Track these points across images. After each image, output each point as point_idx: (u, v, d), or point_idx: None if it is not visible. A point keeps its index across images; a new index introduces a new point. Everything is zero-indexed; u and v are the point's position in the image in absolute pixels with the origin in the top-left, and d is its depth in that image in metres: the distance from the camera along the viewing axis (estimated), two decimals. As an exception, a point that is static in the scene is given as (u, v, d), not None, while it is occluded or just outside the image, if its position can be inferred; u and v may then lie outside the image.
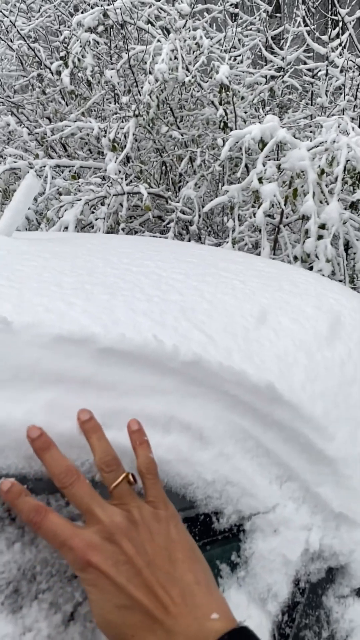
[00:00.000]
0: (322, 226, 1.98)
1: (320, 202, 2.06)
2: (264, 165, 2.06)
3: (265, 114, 2.90)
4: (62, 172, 2.93)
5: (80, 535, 0.40)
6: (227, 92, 2.58)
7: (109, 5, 2.86)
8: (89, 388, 0.44)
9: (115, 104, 3.17)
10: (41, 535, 0.40)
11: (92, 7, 3.01)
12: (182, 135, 3.02)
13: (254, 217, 2.10)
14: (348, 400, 0.55)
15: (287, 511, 0.48)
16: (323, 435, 0.51)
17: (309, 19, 3.81)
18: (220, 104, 2.53)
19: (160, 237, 2.80)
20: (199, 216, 2.75)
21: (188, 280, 0.62)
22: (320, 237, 1.99)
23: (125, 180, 2.81)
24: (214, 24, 4.08)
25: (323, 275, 1.98)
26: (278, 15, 3.81)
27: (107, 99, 3.30)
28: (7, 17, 2.67)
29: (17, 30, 2.74)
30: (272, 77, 3.26)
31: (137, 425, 0.44)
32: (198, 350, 0.48)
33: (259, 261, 0.78)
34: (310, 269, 2.04)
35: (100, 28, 2.91)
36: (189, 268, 0.66)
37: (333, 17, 2.73)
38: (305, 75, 3.45)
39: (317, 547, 0.48)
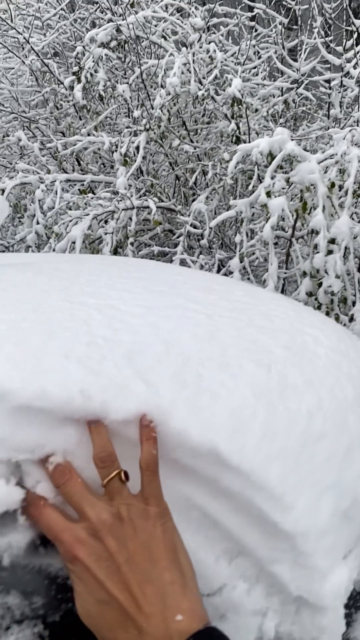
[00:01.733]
0: (332, 241, 1.90)
1: (331, 215, 1.99)
2: (272, 179, 1.99)
3: (279, 126, 2.85)
4: (74, 187, 2.93)
5: (70, 530, 0.42)
6: (240, 106, 2.53)
7: (123, 20, 2.86)
8: (3, 450, 0.38)
9: (128, 118, 3.16)
10: (39, 527, 0.43)
11: (108, 22, 3.03)
12: (194, 149, 2.99)
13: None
14: (312, 460, 0.48)
15: (236, 593, 0.42)
16: (279, 506, 0.44)
17: (327, 31, 3.76)
18: (232, 117, 2.49)
19: (169, 250, 2.76)
20: (210, 229, 2.70)
21: (147, 315, 0.57)
22: (330, 252, 1.91)
23: (137, 194, 2.79)
24: (230, 37, 4.07)
25: (332, 291, 1.89)
26: (295, 27, 3.76)
27: (120, 113, 3.31)
28: (22, 34, 2.71)
29: (31, 46, 2.77)
30: (289, 89, 3.20)
31: (148, 421, 0.45)
32: (134, 405, 0.42)
33: (238, 289, 0.72)
34: (320, 285, 1.96)
35: (113, 43, 2.92)
36: (154, 299, 0.61)
37: (347, 27, 2.66)
38: (322, 86, 3.39)
39: (272, 635, 0.41)
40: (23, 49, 2.95)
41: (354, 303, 2.00)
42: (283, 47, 3.41)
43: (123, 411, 0.41)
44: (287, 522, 0.45)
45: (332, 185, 1.93)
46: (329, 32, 3.90)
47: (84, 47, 2.76)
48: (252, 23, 3.74)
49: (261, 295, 0.72)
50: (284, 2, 3.81)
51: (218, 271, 2.73)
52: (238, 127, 2.45)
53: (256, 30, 3.56)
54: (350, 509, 0.51)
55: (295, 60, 3.16)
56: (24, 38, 2.69)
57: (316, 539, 0.45)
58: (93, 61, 2.80)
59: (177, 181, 3.20)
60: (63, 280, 0.65)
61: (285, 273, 2.63)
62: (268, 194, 1.95)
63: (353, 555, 0.49)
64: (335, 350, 0.59)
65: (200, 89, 2.69)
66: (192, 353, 0.51)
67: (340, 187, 2.01)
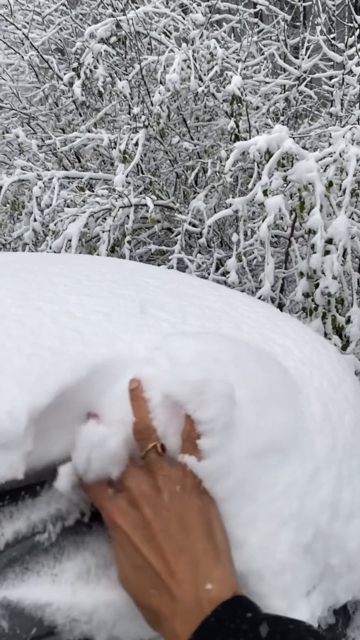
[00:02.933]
0: (330, 241, 1.87)
1: (330, 215, 1.95)
2: (269, 177, 1.96)
3: (280, 124, 2.81)
4: (73, 183, 2.91)
5: (112, 499, 0.45)
6: (239, 104, 2.50)
7: (123, 15, 2.84)
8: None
9: (128, 114, 3.14)
10: (89, 497, 0.47)
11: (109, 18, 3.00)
12: (194, 146, 2.96)
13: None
14: (270, 489, 0.45)
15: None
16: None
17: (330, 28, 3.71)
18: (231, 115, 2.46)
19: (167, 249, 2.73)
20: (209, 227, 2.67)
21: (105, 322, 0.54)
22: (327, 252, 1.88)
23: (135, 191, 2.77)
24: (232, 34, 4.03)
25: (329, 293, 1.86)
26: (298, 23, 3.71)
27: (120, 110, 3.28)
28: (20, 30, 2.69)
29: (30, 42, 2.75)
30: (290, 87, 3.16)
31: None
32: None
33: (212, 293, 0.69)
34: (316, 285, 1.93)
35: (113, 39, 2.90)
36: (117, 305, 0.58)
37: (349, 24, 2.62)
38: (325, 84, 3.35)
39: None
40: (23, 44, 2.93)
41: (351, 304, 1.97)
42: (285, 45, 3.38)
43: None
44: (237, 561, 0.42)
45: (330, 184, 1.90)
46: (332, 29, 3.85)
47: (83, 42, 2.74)
48: (256, 20, 3.71)
49: (236, 300, 0.69)
50: (287, -1, 3.78)
51: (216, 270, 2.70)
52: (237, 125, 2.42)
53: (258, 27, 3.52)
54: (313, 541, 0.48)
55: (297, 57, 3.12)
56: (23, 34, 2.68)
57: (272, 578, 0.42)
58: (92, 57, 2.78)
59: (177, 179, 3.18)
60: (24, 284, 0.62)
61: (284, 273, 2.60)
62: (265, 193, 1.92)
63: (317, 591, 0.46)
64: (307, 362, 0.56)
65: (200, 86, 2.66)
66: (142, 369, 0.49)
67: (341, 187, 1.98)
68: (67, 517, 0.46)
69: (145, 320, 0.56)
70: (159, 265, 2.65)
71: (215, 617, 0.39)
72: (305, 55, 3.21)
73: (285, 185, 2.00)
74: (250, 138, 2.66)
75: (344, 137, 1.97)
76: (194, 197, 2.95)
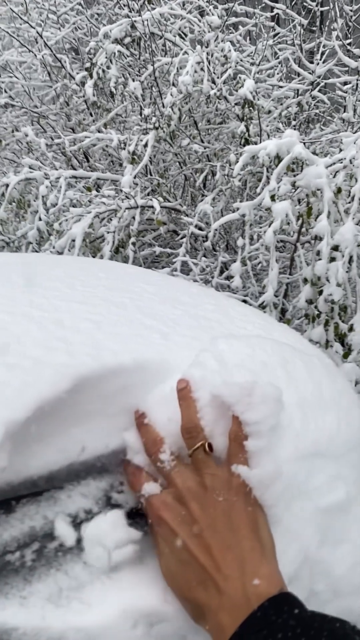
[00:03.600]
0: (336, 248, 1.84)
1: (336, 222, 1.93)
2: (278, 182, 1.94)
3: (292, 129, 2.78)
4: (80, 183, 2.90)
5: (158, 495, 0.46)
6: (251, 108, 2.47)
7: (139, 16, 2.83)
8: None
9: (140, 115, 3.13)
10: (136, 493, 0.48)
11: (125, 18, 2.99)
12: (204, 149, 2.94)
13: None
14: None
15: None
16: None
17: (347, 33, 3.68)
18: (242, 119, 2.43)
19: (172, 252, 2.71)
20: (215, 230, 2.65)
21: (95, 331, 0.52)
22: (333, 259, 1.85)
23: (142, 192, 2.75)
24: (249, 37, 4.01)
25: (333, 300, 1.83)
26: (315, 28, 3.69)
27: (132, 111, 3.28)
28: (34, 28, 2.69)
29: (44, 40, 2.75)
30: (304, 92, 3.13)
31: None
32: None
33: (209, 302, 0.66)
34: (320, 292, 1.91)
35: (127, 40, 2.89)
36: (109, 313, 0.56)
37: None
38: (339, 90, 3.31)
39: None
40: (37, 42, 2.94)
41: (355, 312, 1.93)
42: (301, 49, 3.35)
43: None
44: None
45: (339, 190, 1.87)
46: (349, 35, 3.82)
47: (97, 42, 2.73)
48: (272, 23, 3.69)
49: (233, 310, 0.66)
50: (304, 3, 3.75)
51: (220, 274, 2.68)
52: (247, 130, 2.39)
53: (274, 30, 3.49)
54: (300, 568, 0.47)
55: (311, 62, 3.10)
56: (37, 32, 2.67)
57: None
58: (106, 57, 2.77)
59: (186, 181, 3.16)
60: (16, 288, 0.61)
61: (289, 278, 2.57)
62: (273, 198, 1.90)
63: None
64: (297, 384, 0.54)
65: (212, 89, 2.64)
66: (130, 382, 0.47)
67: (349, 194, 1.95)
68: (42, 535, 0.44)
69: (135, 330, 0.54)
70: (162, 267, 2.63)
71: (262, 612, 0.39)
72: (321, 60, 3.18)
73: (293, 190, 1.97)
74: (260, 142, 2.65)
75: (355, 143, 1.94)
76: (202, 200, 2.93)
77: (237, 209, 2.02)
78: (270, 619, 0.38)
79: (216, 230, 2.70)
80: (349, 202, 1.91)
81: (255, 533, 0.44)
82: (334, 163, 1.91)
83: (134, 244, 2.48)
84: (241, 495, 0.45)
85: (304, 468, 0.50)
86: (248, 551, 0.42)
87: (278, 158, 1.92)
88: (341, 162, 1.87)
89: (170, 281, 0.75)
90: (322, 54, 3.23)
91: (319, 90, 3.20)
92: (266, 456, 0.46)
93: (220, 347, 0.51)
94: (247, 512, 0.44)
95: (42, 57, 2.79)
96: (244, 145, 2.55)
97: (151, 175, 2.94)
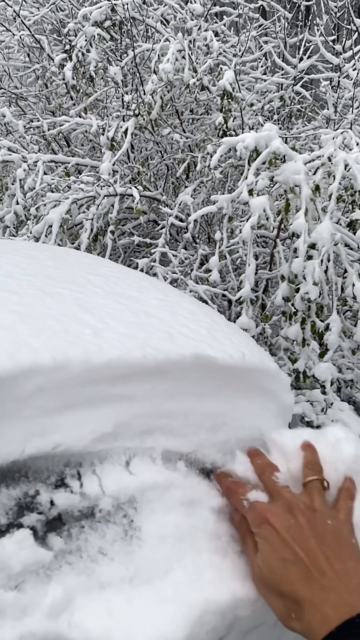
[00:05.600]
0: (312, 246, 1.84)
1: (315, 220, 1.93)
2: (256, 176, 1.93)
3: (274, 123, 2.78)
4: (60, 167, 2.84)
5: (265, 503, 0.50)
6: (229, 99, 2.45)
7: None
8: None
9: (122, 102, 3.07)
10: (232, 504, 0.52)
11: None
12: (186, 139, 2.91)
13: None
14: None
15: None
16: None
17: (332, 30, 3.68)
18: (221, 111, 2.41)
19: (151, 242, 2.69)
20: (196, 222, 2.63)
21: (18, 326, 0.49)
22: (310, 257, 1.86)
23: (123, 180, 2.71)
24: (233, 28, 3.97)
25: (309, 299, 1.84)
26: (299, 22, 3.67)
27: (117, 98, 3.21)
28: (11, 7, 2.59)
29: (21, 19, 2.66)
30: (288, 86, 3.13)
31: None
32: None
33: (157, 297, 0.63)
34: (297, 290, 1.91)
35: (107, 23, 2.82)
36: (39, 306, 0.54)
37: (347, 26, 2.59)
38: (323, 86, 3.32)
39: None
40: (15, 21, 2.84)
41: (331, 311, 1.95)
42: (285, 43, 3.33)
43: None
44: None
45: (317, 188, 1.87)
46: (333, 32, 3.82)
47: (75, 24, 2.66)
48: (257, 15, 3.65)
49: (180, 307, 0.64)
50: (289, -4, 3.73)
51: (200, 266, 2.67)
52: (226, 121, 2.37)
53: (257, 20, 3.47)
54: None
55: (295, 57, 3.09)
56: (14, 11, 2.58)
57: None
58: (85, 40, 2.70)
59: (168, 171, 3.13)
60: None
61: (269, 274, 2.58)
62: (251, 192, 1.89)
63: None
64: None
65: (193, 77, 2.60)
66: (48, 382, 0.45)
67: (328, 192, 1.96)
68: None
69: (66, 325, 0.52)
70: (142, 257, 2.60)
71: None
72: (305, 55, 3.18)
73: (271, 185, 1.97)
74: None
75: (334, 140, 1.94)
76: (183, 191, 2.90)
77: (216, 201, 2.01)
78: None
79: (197, 222, 2.68)
80: (327, 201, 1.92)
81: (357, 560, 0.46)
82: (313, 160, 1.91)
83: (112, 232, 2.44)
84: (347, 526, 0.49)
85: None
86: (353, 569, 0.45)
87: (257, 152, 1.92)
88: (319, 159, 1.88)
89: (123, 274, 0.72)
90: (307, 49, 3.23)
91: (303, 86, 3.20)
92: None
93: (338, 435, 0.58)
94: (352, 541, 0.48)
95: (20, 37, 2.70)
96: (222, 137, 2.53)
97: (132, 163, 2.90)
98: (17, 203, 2.51)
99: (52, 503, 0.44)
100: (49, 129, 2.74)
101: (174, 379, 0.52)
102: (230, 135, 2.48)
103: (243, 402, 0.56)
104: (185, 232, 2.64)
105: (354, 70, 2.62)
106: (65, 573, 0.41)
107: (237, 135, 2.60)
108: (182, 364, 0.52)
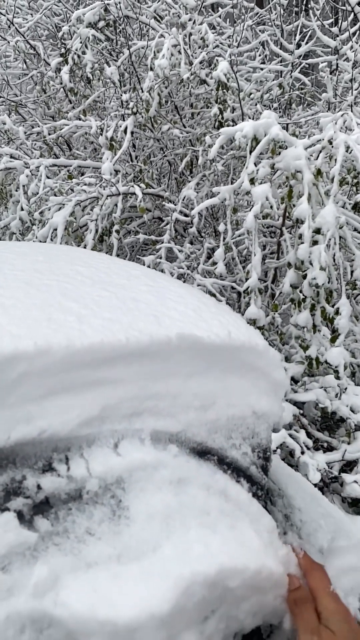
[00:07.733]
0: (317, 231, 1.82)
1: (319, 204, 1.90)
2: (256, 165, 1.91)
3: (274, 111, 2.74)
4: (62, 171, 2.86)
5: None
6: (224, 90, 2.43)
7: None
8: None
9: (121, 102, 3.07)
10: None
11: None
12: (186, 134, 2.90)
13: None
14: None
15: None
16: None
17: (329, 13, 3.62)
18: (216, 102, 2.39)
19: (157, 239, 2.69)
20: (201, 215, 2.62)
21: (0, 316, 0.50)
22: (315, 243, 1.83)
23: (125, 179, 2.71)
24: (228, 19, 3.94)
25: (317, 284, 1.81)
26: (296, 9, 3.63)
27: (116, 98, 3.22)
28: (5, 15, 2.62)
29: (15, 27, 2.69)
30: (286, 73, 3.09)
31: None
32: None
33: (146, 283, 0.63)
34: (304, 277, 1.89)
35: (101, 23, 2.83)
36: (23, 297, 0.53)
37: (342, 7, 2.54)
38: (322, 71, 3.27)
39: None
40: (9, 29, 2.87)
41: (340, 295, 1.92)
42: (282, 30, 3.30)
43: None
44: None
45: (319, 172, 1.84)
46: (331, 15, 3.76)
47: (70, 27, 2.67)
48: (251, 5, 3.62)
49: (169, 292, 0.63)
50: (285, -17, 3.68)
51: (207, 260, 2.66)
52: (221, 112, 2.36)
53: (252, 10, 3.44)
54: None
55: (294, 43, 3.05)
56: (7, 19, 2.61)
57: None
58: (80, 42, 2.71)
59: (170, 167, 3.12)
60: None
61: (277, 263, 2.55)
62: (252, 181, 1.87)
63: (216, 617, 0.44)
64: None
65: (189, 70, 2.59)
66: (31, 368, 0.45)
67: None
68: None
69: (50, 314, 0.52)
70: (150, 254, 2.60)
71: None
72: (303, 41, 3.14)
73: (273, 173, 1.95)
74: (242, 125, 2.60)
75: (334, 122, 1.91)
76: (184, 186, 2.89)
77: (218, 193, 2.00)
78: None
79: (202, 215, 2.67)
80: (330, 184, 1.89)
81: None
82: (313, 144, 1.89)
83: (117, 231, 2.45)
84: None
85: None
86: None
87: (256, 140, 1.90)
88: (320, 143, 1.85)
89: (114, 265, 0.72)
90: (304, 35, 3.19)
91: (303, 73, 3.16)
92: None
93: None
94: None
95: (16, 44, 2.73)
96: (218, 128, 2.51)
97: (133, 161, 2.90)
98: (22, 209, 2.53)
99: (39, 487, 0.44)
100: (49, 134, 2.76)
101: (161, 360, 0.52)
102: (228, 127, 2.46)
103: (233, 380, 0.55)
104: (190, 227, 2.63)
105: (352, 51, 2.58)
106: (51, 554, 0.41)
107: (235, 124, 2.58)
108: (168, 345, 0.52)
